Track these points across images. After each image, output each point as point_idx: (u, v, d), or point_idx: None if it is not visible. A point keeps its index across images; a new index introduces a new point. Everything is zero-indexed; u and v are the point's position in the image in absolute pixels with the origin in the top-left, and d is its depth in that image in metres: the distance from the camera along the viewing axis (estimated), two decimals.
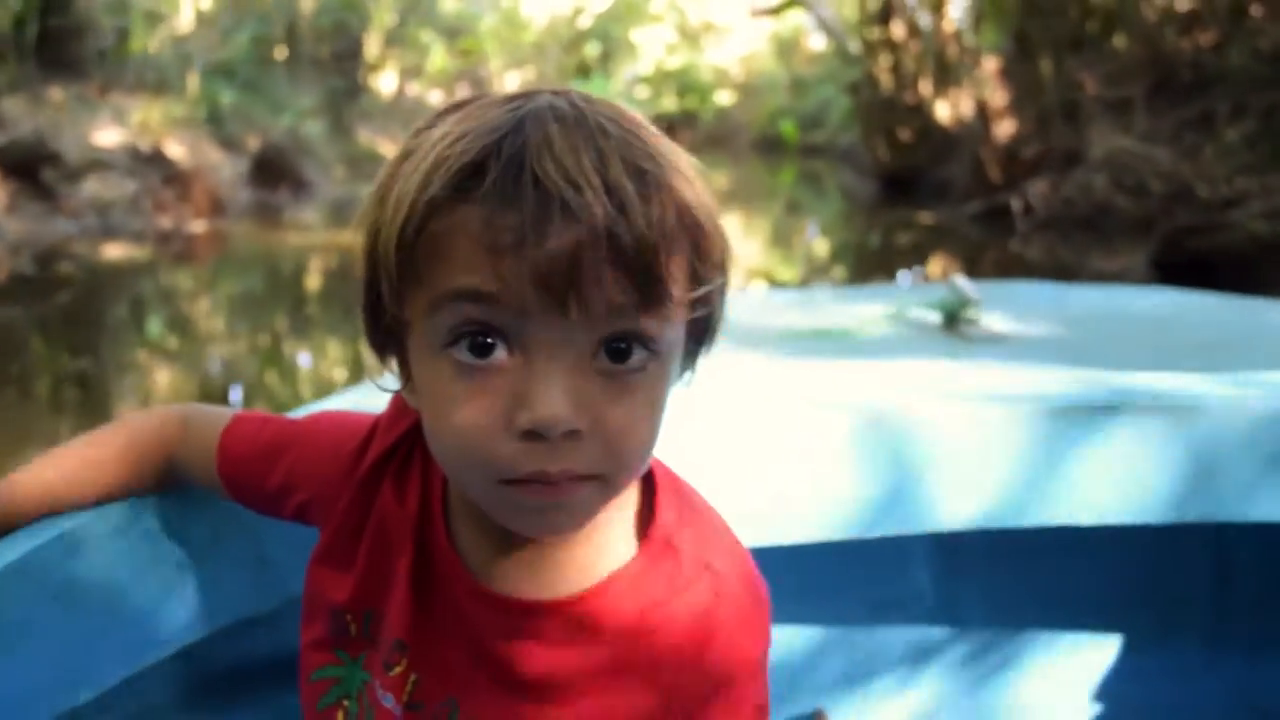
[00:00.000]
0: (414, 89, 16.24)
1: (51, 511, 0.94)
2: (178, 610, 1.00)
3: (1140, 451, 1.19)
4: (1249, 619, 1.38)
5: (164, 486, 0.97)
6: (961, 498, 1.19)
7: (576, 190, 0.63)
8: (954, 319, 2.05)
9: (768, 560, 0.81)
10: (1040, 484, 1.19)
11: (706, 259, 0.69)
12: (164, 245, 7.48)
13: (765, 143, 23.18)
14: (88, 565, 0.93)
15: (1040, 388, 1.29)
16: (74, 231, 7.27)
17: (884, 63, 10.74)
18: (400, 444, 0.83)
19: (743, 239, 9.77)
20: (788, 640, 1.30)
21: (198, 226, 7.94)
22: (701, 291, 0.69)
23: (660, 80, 26.56)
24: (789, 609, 0.96)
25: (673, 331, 0.69)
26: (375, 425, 0.85)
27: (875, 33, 10.74)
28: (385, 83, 15.07)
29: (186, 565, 1.00)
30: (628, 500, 0.76)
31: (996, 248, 8.00)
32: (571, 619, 0.74)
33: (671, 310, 0.67)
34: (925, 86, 10.61)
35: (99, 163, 7.99)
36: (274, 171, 9.31)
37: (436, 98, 16.55)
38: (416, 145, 0.69)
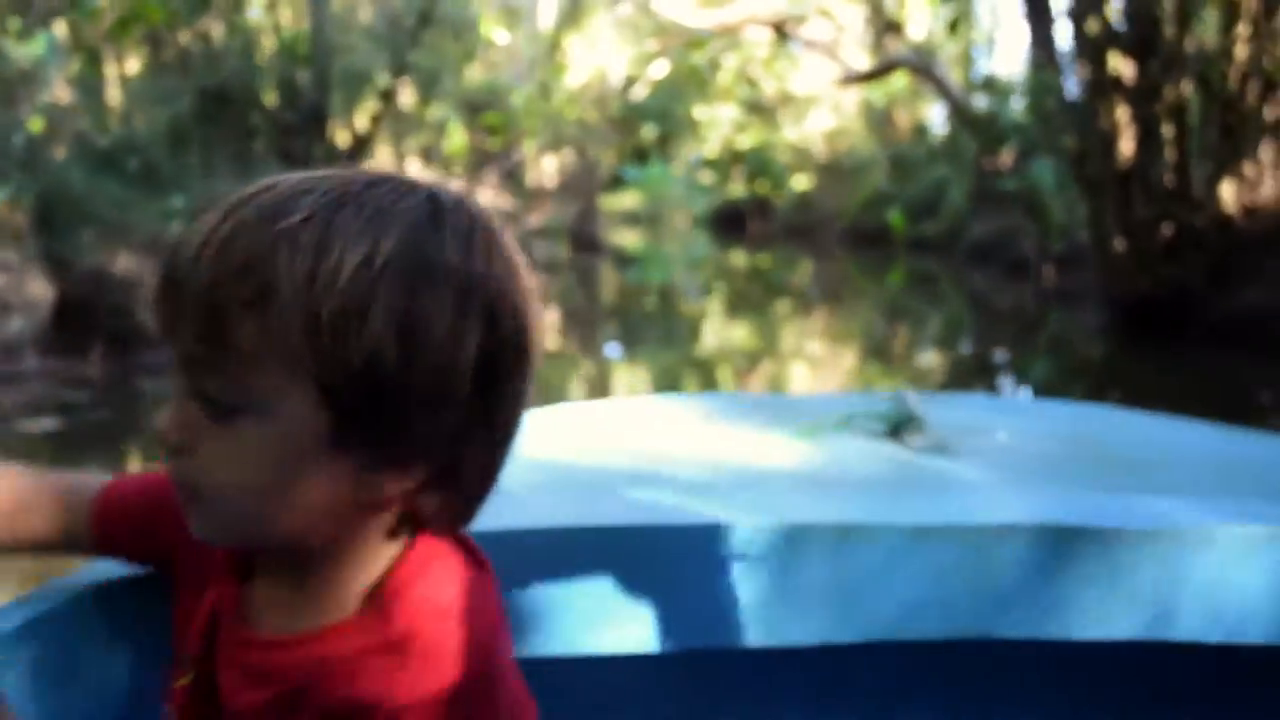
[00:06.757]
0: (426, 175, 12.53)
1: None
2: None
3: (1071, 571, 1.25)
4: None
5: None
6: (914, 609, 1.25)
7: (185, 248, 0.69)
8: (898, 430, 1.90)
9: (713, 661, 0.95)
10: (969, 600, 1.26)
11: (319, 339, 0.66)
12: None
13: (857, 234, 19.44)
14: (129, 610, 0.98)
15: (976, 506, 1.39)
16: None
17: (1121, 116, 6.63)
18: None
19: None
20: None
21: None
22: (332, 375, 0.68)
23: (729, 163, 23.15)
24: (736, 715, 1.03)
25: (281, 400, 0.68)
26: None
27: (1115, 67, 6.61)
28: (379, 165, 11.36)
29: None
30: (371, 561, 0.76)
31: None
32: (267, 661, 0.76)
33: (253, 373, 0.68)
34: (1198, 159, 6.47)
35: None
36: (87, 322, 5.22)
37: (456, 186, 13.00)
38: None
